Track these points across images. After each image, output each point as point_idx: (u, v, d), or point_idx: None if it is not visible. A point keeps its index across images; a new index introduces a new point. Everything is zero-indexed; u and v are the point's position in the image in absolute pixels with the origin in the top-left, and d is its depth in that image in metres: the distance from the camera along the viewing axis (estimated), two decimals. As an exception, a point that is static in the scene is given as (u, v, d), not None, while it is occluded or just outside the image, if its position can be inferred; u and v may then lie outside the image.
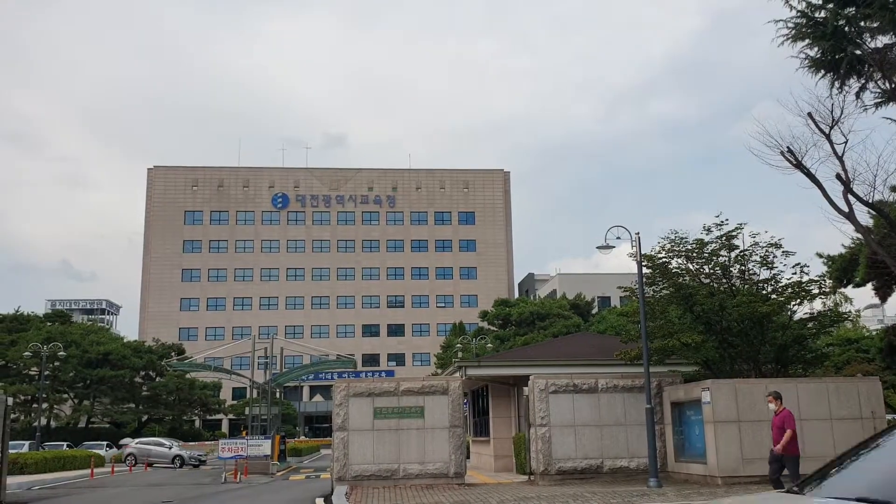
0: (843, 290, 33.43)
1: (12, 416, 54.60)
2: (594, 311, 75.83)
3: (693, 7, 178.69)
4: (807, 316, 21.10)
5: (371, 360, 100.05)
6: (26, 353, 50.35)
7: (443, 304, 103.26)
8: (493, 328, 68.94)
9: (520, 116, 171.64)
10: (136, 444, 44.53)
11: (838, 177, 17.70)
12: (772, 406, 13.31)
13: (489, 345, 56.30)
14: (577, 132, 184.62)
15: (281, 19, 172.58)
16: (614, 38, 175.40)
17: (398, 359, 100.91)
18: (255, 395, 43.91)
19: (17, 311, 67.45)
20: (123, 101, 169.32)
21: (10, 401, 48.48)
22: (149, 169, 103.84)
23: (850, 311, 37.07)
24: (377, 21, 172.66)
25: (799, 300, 20.27)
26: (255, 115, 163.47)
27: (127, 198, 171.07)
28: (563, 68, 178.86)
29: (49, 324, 68.45)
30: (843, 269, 27.42)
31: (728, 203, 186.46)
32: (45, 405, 56.33)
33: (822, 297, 21.03)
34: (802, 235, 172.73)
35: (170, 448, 43.36)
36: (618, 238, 20.26)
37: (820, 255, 28.58)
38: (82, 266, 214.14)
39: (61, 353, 50.86)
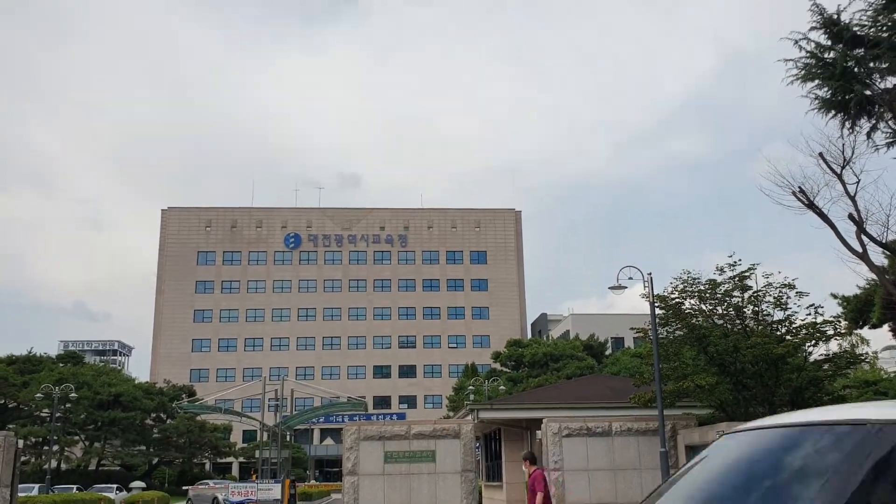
0: (859, 331, 33.07)
1: (23, 458, 54.37)
2: (608, 352, 75.24)
3: (707, 47, 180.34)
4: (822, 357, 20.85)
5: (382, 402, 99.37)
6: (38, 395, 50.32)
7: (455, 345, 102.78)
8: (505, 370, 68.44)
9: (533, 155, 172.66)
10: (197, 488, 44.29)
11: (851, 217, 17.60)
12: (524, 469, 12.87)
13: (501, 387, 55.81)
14: (590, 171, 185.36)
15: (297, 62, 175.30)
16: (629, 78, 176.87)
17: (409, 401, 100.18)
18: (265, 437, 43.57)
19: (30, 353, 67.61)
20: (140, 142, 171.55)
21: (21, 443, 48.29)
22: (163, 210, 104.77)
23: (866, 353, 36.62)
24: (393, 62, 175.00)
25: (814, 341, 20.04)
26: (271, 156, 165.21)
27: (142, 238, 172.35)
28: (577, 107, 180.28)
29: (61, 365, 68.52)
30: (859, 310, 27.09)
31: (743, 242, 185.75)
32: (55, 447, 56.08)
33: (838, 338, 20.79)
34: (818, 275, 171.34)
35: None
36: (630, 278, 20.19)
37: (835, 296, 28.27)
38: (97, 307, 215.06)
39: (73, 394, 50.80)
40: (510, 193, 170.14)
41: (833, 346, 22.08)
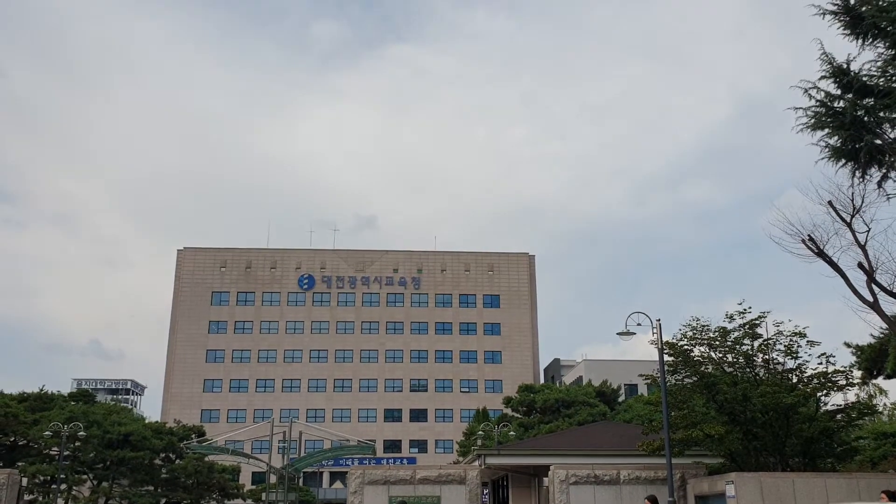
0: (875, 381, 32.48)
1: (30, 497, 54.06)
2: (621, 398, 74.37)
3: (723, 95, 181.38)
4: (834, 408, 20.54)
5: (393, 446, 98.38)
6: (46, 433, 50.17)
7: (467, 389, 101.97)
8: (517, 415, 67.69)
9: (549, 201, 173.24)
10: None
11: (860, 266, 17.50)
12: None
13: (512, 433, 55.19)
14: (605, 217, 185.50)
15: (316, 105, 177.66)
16: (645, 125, 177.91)
17: (420, 445, 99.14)
18: (273, 480, 43.14)
19: (42, 390, 67.54)
20: (158, 182, 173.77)
21: (25, 481, 48.08)
22: (178, 250, 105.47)
23: (882, 403, 35.91)
24: (411, 107, 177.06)
25: (825, 391, 19.78)
26: (287, 198, 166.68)
27: (158, 278, 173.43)
28: (593, 154, 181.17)
29: (73, 403, 68.35)
30: (873, 360, 26.67)
31: (761, 289, 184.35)
32: (63, 486, 55.75)
33: (850, 388, 20.51)
34: (840, 323, 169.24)
35: None
36: (638, 324, 20.03)
37: (848, 345, 27.86)
38: (111, 345, 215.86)
39: (81, 433, 50.60)
40: (524, 238, 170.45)
41: (851, 395, 21.79)
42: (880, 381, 30.67)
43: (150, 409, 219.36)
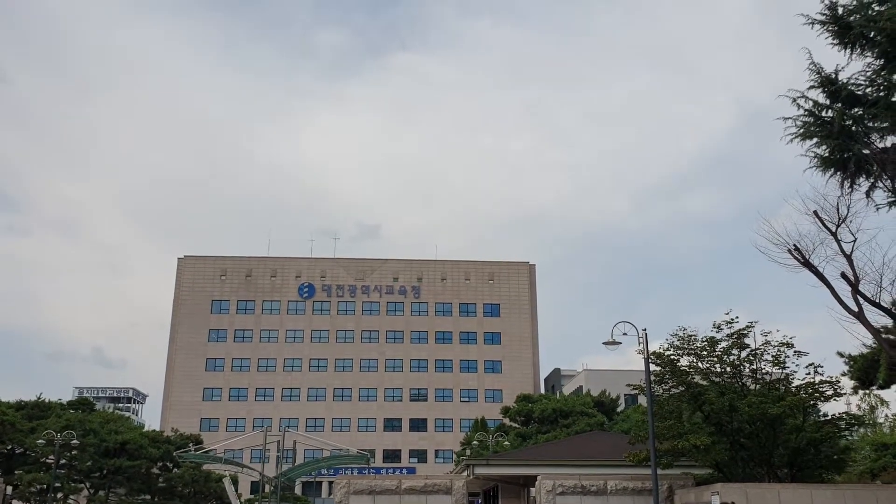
0: (877, 392, 32.20)
1: (26, 505, 53.94)
2: (620, 408, 74.13)
3: (726, 105, 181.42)
4: (823, 419, 20.43)
5: (392, 455, 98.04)
6: (40, 441, 50.11)
7: (466, 399, 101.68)
8: (515, 425, 67.50)
9: (551, 210, 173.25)
10: None
11: (844, 276, 17.40)
12: None
13: (506, 442, 55.02)
14: (607, 226, 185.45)
15: (319, 114, 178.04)
16: (648, 135, 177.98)
17: (420, 455, 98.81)
18: (268, 489, 43.01)
19: (39, 398, 67.47)
20: (161, 190, 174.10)
21: (14, 490, 48.00)
22: (179, 258, 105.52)
23: (884, 415, 35.63)
24: (415, 116, 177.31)
25: (812, 401, 19.66)
26: (289, 207, 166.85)
27: (160, 286, 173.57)
28: (595, 163, 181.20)
29: (71, 411, 68.25)
30: (865, 370, 26.47)
31: (763, 299, 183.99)
32: (59, 495, 55.65)
33: (837, 398, 20.38)
34: (838, 333, 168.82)
35: None
36: (624, 334, 19.98)
37: (841, 355, 27.68)
38: (113, 354, 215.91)
39: (74, 441, 50.51)
40: (525, 247, 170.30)
41: (853, 406, 21.67)
42: (873, 391, 30.47)
43: (152, 417, 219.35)
